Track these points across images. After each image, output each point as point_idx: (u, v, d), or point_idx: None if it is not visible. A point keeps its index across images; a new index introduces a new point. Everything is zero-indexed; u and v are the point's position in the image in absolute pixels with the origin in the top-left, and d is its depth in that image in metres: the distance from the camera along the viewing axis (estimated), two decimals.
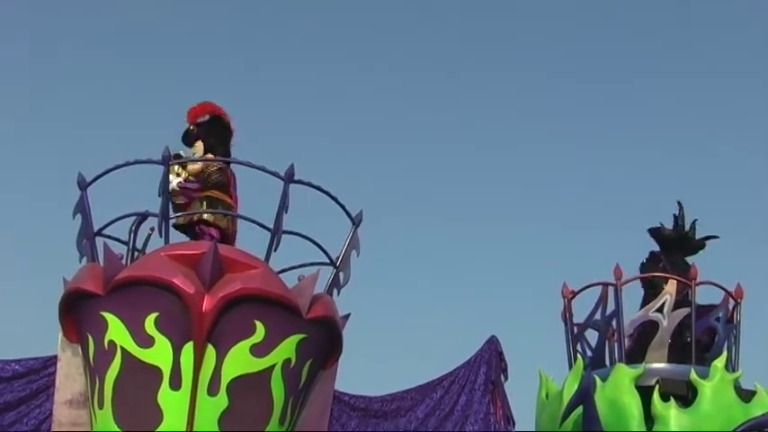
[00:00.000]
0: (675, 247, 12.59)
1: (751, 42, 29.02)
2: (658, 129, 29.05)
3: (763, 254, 23.83)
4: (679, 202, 12.85)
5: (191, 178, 9.97)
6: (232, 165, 10.19)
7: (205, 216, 9.89)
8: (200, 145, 10.20)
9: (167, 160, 9.41)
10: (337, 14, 30.72)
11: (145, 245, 9.78)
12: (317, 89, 29.77)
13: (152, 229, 9.66)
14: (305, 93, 29.89)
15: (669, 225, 12.78)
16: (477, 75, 30.16)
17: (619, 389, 11.28)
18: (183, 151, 10.22)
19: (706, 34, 30.31)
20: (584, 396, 11.06)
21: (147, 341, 8.79)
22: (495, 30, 30.96)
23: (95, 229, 9.64)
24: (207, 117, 10.26)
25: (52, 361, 10.92)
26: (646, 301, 12.25)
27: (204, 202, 9.95)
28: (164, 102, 26.36)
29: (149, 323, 8.79)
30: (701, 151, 29.16)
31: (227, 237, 9.99)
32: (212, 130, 10.22)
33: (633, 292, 12.35)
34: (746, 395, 11.42)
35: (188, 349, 8.73)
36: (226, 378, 8.82)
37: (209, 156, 10.10)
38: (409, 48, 30.90)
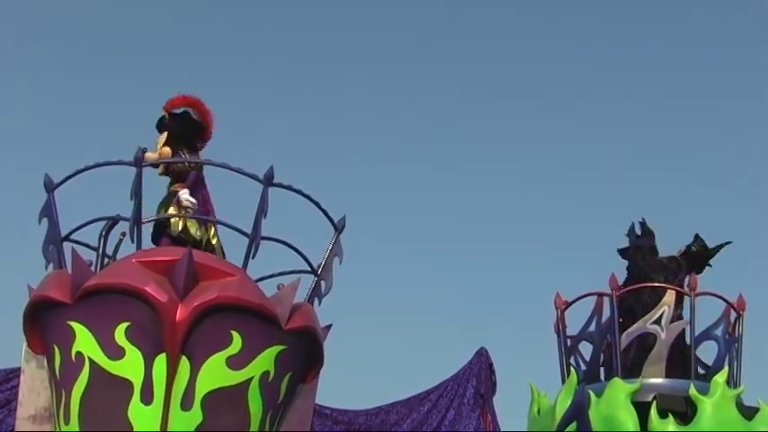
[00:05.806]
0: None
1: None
2: (650, 137, 29.06)
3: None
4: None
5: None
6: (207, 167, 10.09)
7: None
8: (164, 136, 10.09)
9: (140, 162, 9.19)
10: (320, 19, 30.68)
11: (115, 251, 9.58)
12: (300, 90, 29.82)
13: (123, 234, 9.44)
14: (287, 94, 29.90)
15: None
16: (473, 82, 30.19)
17: (614, 405, 11.17)
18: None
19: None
20: (578, 412, 10.76)
21: (116, 352, 8.58)
22: (489, 35, 30.97)
23: (63, 233, 9.47)
24: (180, 110, 10.22)
25: (15, 374, 10.70)
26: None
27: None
28: (136, 102, 26.11)
29: (119, 333, 8.58)
30: (698, 160, 29.24)
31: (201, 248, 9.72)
32: (181, 123, 10.16)
33: None
34: (749, 412, 11.27)
35: (160, 361, 8.53)
36: (200, 392, 8.62)
37: (182, 155, 10.03)
38: (407, 50, 30.87)
